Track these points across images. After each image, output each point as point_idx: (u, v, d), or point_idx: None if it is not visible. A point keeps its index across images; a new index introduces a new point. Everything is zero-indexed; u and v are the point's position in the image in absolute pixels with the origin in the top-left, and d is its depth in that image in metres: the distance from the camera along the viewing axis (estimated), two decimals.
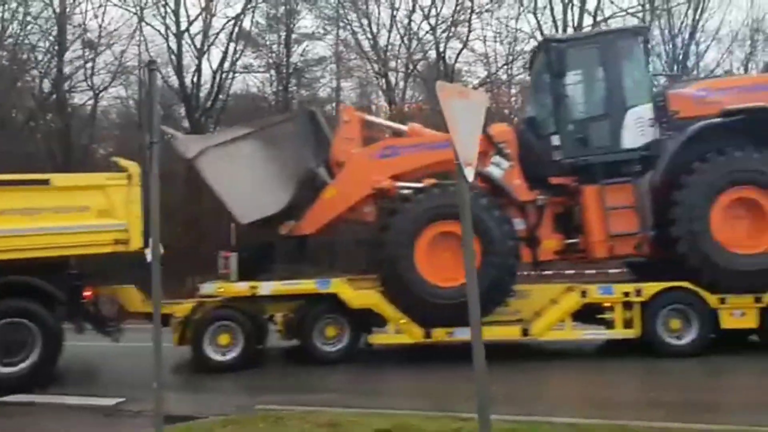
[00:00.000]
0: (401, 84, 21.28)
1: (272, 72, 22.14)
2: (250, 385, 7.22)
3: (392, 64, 21.02)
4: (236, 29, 20.78)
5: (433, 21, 20.64)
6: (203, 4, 20.35)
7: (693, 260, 7.70)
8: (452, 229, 7.69)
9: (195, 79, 20.62)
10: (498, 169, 8.13)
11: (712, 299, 7.72)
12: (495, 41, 22.07)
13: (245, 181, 7.46)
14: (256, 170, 7.40)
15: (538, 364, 7.87)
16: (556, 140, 8.23)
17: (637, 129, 8.12)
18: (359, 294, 7.84)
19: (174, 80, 20.98)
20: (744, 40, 23.44)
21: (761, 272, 7.63)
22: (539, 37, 22.28)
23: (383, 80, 20.92)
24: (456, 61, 20.05)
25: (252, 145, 7.51)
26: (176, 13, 20.42)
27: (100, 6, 19.68)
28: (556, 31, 22.37)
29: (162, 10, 19.85)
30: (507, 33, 21.30)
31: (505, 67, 21.59)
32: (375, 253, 7.82)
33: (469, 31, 19.95)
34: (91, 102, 20.66)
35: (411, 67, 20.52)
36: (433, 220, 7.68)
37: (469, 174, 3.98)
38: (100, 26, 19.39)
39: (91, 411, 6.20)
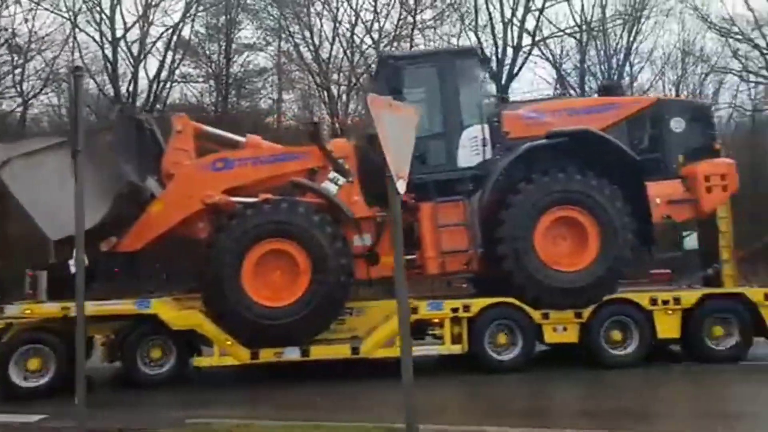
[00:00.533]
0: (344, 97, 21.41)
1: (212, 82, 22.08)
2: (174, 400, 7.12)
3: (335, 76, 21.07)
4: (175, 38, 20.68)
5: (375, 35, 20.78)
6: (140, 12, 20.22)
7: (518, 277, 7.90)
8: (282, 247, 7.65)
9: (131, 88, 20.29)
10: (334, 185, 8.19)
11: (535, 315, 7.95)
12: None
13: (55, 194, 6.92)
14: (68, 183, 7.08)
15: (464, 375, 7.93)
16: None
17: (471, 148, 8.28)
18: (181, 314, 7.63)
19: (109, 88, 20.82)
20: (676, 62, 24.05)
21: (581, 289, 7.90)
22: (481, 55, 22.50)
23: (325, 93, 21.00)
24: None
25: (62, 156, 6.82)
26: (111, 20, 20.07)
27: (31, 10, 19.11)
28: (497, 49, 22.73)
29: (97, 16, 19.34)
30: None
31: None
32: (201, 272, 7.66)
33: (411, 47, 20.12)
34: (20, 109, 20.41)
35: (354, 80, 20.62)
36: (262, 237, 7.58)
37: (401, 186, 4.07)
38: (30, 31, 18.66)
39: (11, 429, 5.96)
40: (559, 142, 8.05)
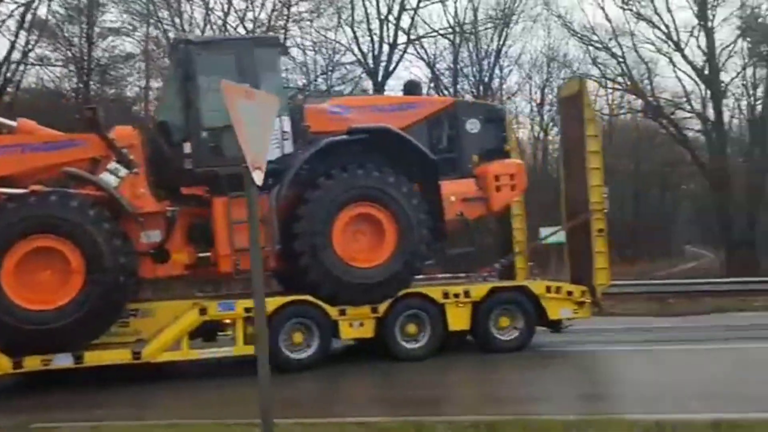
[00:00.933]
0: None
1: (72, 67, 20.42)
2: (20, 405, 6.58)
3: None
4: (29, 17, 18.79)
5: (249, 24, 20.16)
6: None
7: (315, 274, 7.76)
8: (52, 245, 6.96)
9: None
10: (114, 176, 7.57)
11: (332, 311, 7.83)
12: (314, 51, 22.12)
13: None
14: None
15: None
16: (187, 148, 7.85)
17: (271, 141, 7.96)
18: None
19: None
20: (542, 66, 25.50)
21: (378, 284, 7.91)
22: (356, 50, 22.60)
23: None
24: None
25: None
26: None
27: None
28: (373, 46, 22.70)
29: None
30: (326, 43, 21.49)
31: (324, 76, 21.74)
32: None
33: (286, 38, 19.69)
34: None
35: None
36: (27, 233, 6.87)
37: (258, 178, 3.85)
38: None
39: None
40: (360, 138, 7.96)
